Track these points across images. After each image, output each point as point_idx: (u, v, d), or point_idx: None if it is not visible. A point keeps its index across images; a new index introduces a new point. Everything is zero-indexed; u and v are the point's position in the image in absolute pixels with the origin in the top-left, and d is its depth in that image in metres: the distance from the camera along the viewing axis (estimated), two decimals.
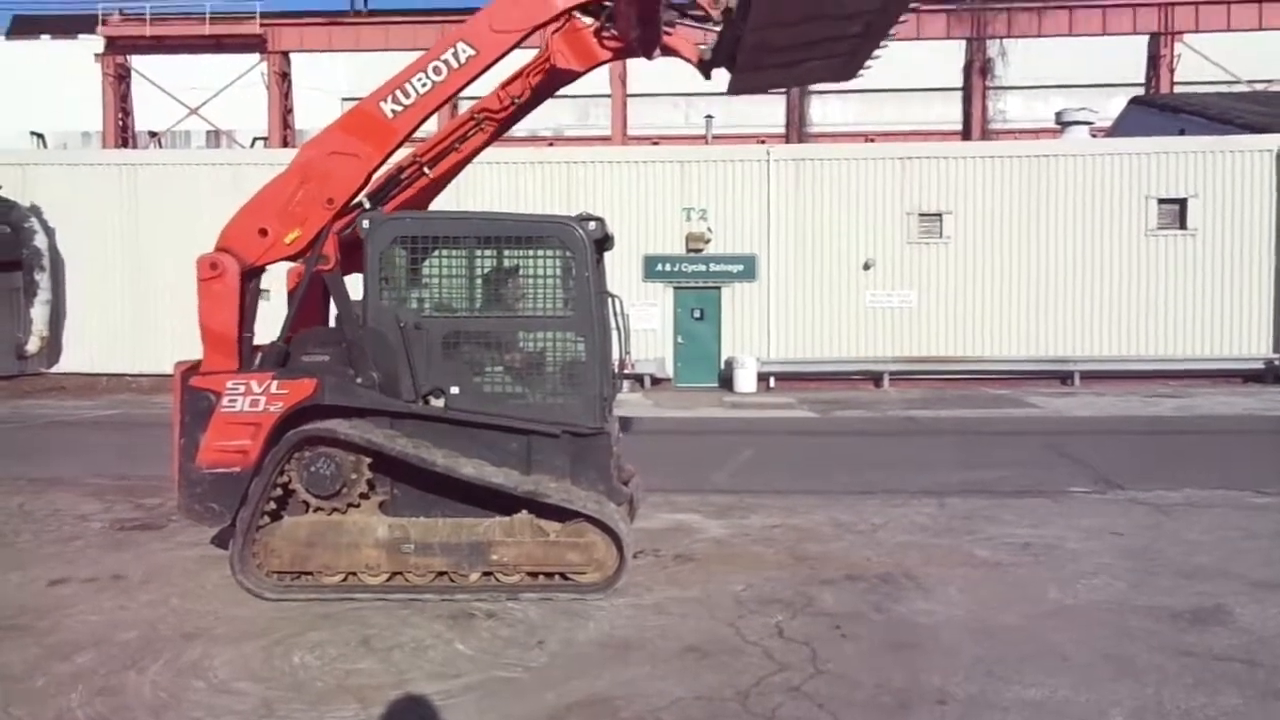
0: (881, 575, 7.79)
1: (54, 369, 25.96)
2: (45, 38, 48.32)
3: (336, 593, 7.11)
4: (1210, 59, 36.94)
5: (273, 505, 7.10)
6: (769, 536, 9.12)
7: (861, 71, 8.27)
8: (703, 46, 7.80)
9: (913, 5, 7.12)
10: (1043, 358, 24.66)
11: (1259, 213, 24.49)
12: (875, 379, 24.80)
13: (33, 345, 25.47)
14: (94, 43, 40.70)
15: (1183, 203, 24.66)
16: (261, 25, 38.86)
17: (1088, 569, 7.94)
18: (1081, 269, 24.74)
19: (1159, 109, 32.14)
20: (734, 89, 8.42)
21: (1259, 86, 37.82)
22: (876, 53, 7.85)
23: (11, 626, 6.65)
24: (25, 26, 50.69)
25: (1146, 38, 38.02)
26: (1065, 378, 24.50)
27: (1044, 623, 6.71)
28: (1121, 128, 33.22)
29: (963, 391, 23.50)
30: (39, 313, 25.46)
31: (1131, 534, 9.13)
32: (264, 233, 7.26)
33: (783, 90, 39.09)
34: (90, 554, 8.50)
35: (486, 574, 7.11)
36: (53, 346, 25.98)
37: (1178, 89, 36.76)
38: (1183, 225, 24.65)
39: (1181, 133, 27.82)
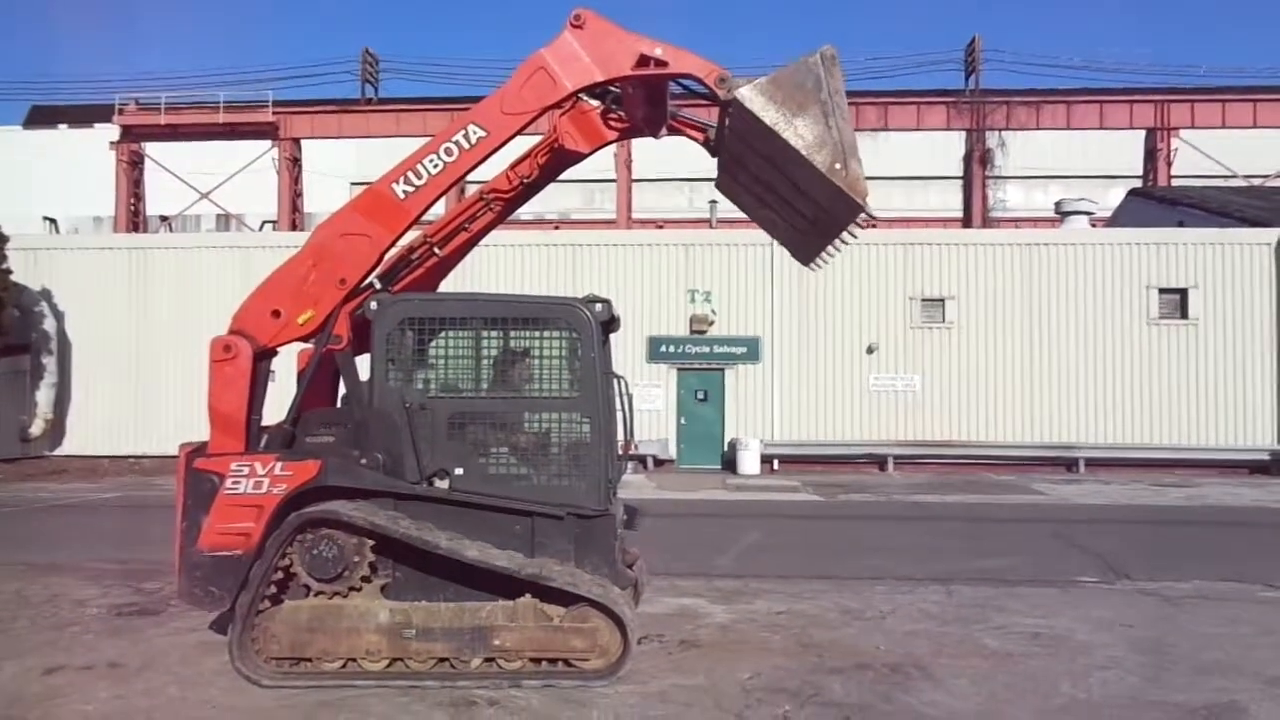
0: (891, 665, 7.64)
1: (56, 451, 25.96)
2: (63, 127, 49.31)
3: (335, 679, 6.96)
4: (1207, 153, 37.55)
5: (273, 589, 6.99)
6: (775, 623, 8.98)
7: (814, 265, 8.16)
8: (709, 125, 7.94)
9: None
10: (1047, 444, 24.62)
11: (1259, 305, 24.70)
12: (879, 463, 24.73)
13: (36, 428, 25.56)
14: (109, 131, 41.51)
15: (1183, 293, 24.89)
16: (274, 113, 39.73)
17: (1100, 662, 7.79)
18: (1084, 356, 24.85)
19: (1158, 201, 32.58)
20: (719, 184, 8.42)
21: (1255, 181, 38.37)
22: (832, 251, 7.62)
23: (4, 718, 6.49)
24: (42, 116, 51.73)
25: (1144, 132, 38.75)
26: (1070, 464, 24.41)
27: (1057, 718, 6.55)
28: (1120, 218, 33.64)
29: (968, 477, 23.42)
30: (44, 396, 25.61)
31: (1142, 626, 8.97)
32: (277, 314, 7.28)
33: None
34: (87, 640, 8.35)
35: (488, 660, 6.98)
36: (56, 429, 26.04)
37: (1175, 182, 37.32)
38: (1184, 315, 24.83)
39: (1180, 224, 28.20)
